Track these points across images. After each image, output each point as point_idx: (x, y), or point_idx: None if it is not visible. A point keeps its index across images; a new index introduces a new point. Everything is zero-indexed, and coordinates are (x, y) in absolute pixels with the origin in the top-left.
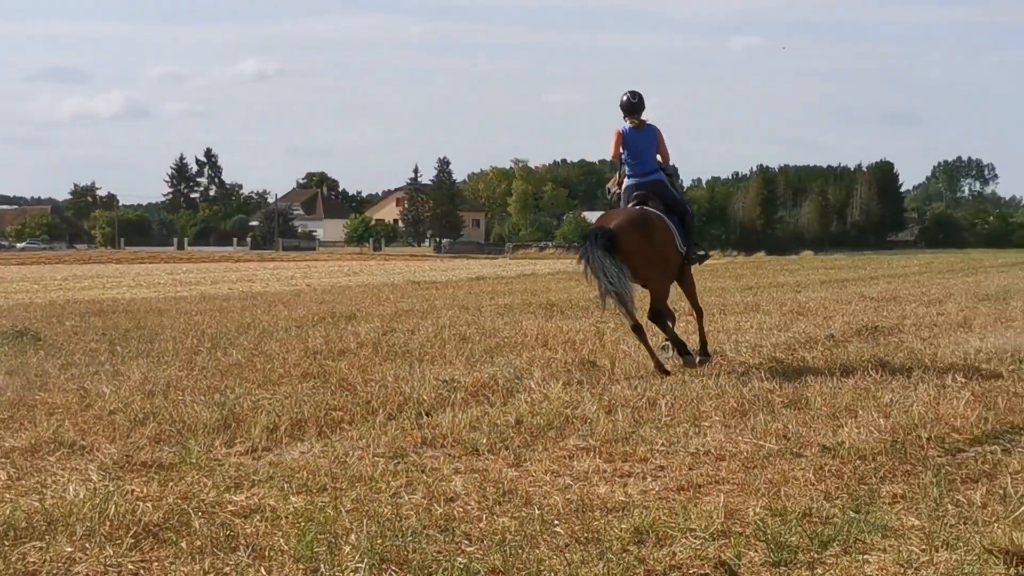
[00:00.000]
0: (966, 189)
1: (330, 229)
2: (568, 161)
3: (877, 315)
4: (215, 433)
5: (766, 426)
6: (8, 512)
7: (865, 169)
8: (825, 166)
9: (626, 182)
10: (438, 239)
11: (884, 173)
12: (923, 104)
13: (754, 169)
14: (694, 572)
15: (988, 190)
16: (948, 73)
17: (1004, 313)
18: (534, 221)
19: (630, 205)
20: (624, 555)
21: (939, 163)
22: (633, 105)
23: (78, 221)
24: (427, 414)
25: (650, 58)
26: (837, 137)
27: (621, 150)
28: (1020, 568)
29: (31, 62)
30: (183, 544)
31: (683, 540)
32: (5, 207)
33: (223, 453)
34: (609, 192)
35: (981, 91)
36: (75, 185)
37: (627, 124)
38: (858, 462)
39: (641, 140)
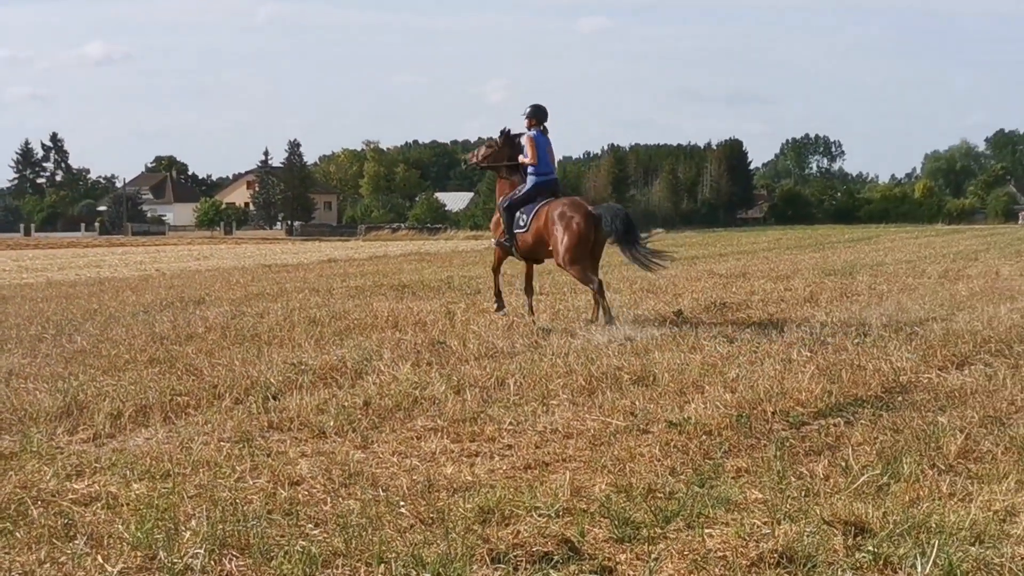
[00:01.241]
0: (814, 166)
1: (180, 213)
2: (419, 142)
3: (726, 291)
4: (57, 421)
5: (614, 403)
6: None
7: (715, 147)
8: (675, 144)
9: (531, 180)
10: (290, 222)
11: (733, 151)
12: (770, 83)
13: (605, 148)
14: (537, 549)
15: (836, 166)
16: (795, 52)
17: (850, 288)
18: (386, 203)
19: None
20: (468, 534)
21: (787, 140)
22: (544, 112)
23: None
24: (274, 397)
25: (500, 38)
26: (686, 116)
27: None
28: (859, 538)
29: None
30: (19, 534)
31: (528, 518)
32: None
33: (65, 441)
34: (466, 164)
35: (828, 69)
36: None
37: (535, 130)
38: (704, 437)
39: (545, 143)
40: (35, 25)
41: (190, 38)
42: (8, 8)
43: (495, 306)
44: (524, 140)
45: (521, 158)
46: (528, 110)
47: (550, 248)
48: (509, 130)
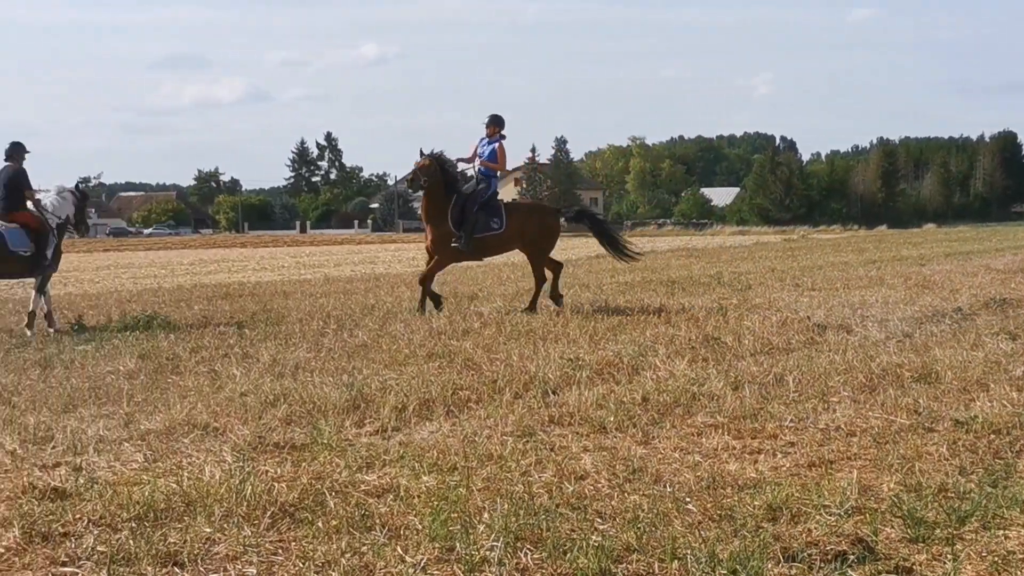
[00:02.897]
0: None
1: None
2: (685, 138)
3: (1004, 287)
4: (345, 414)
5: (896, 401)
6: (147, 494)
7: (988, 140)
8: (947, 137)
9: (494, 182)
10: None
11: (1007, 143)
12: None
13: (874, 142)
14: (831, 549)
15: None
16: None
17: None
18: (652, 198)
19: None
20: (759, 532)
21: None
22: (503, 121)
23: (202, 206)
24: (553, 392)
25: (768, 31)
26: (957, 108)
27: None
28: None
29: (153, 50)
30: (319, 524)
31: (817, 517)
32: (132, 194)
33: (353, 433)
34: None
35: None
36: (199, 171)
37: (498, 137)
38: (992, 436)
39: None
40: (312, 28)
41: (460, 37)
42: (286, 12)
43: (421, 310)
44: (498, 146)
45: (490, 164)
46: (489, 119)
47: (520, 243)
48: (440, 152)
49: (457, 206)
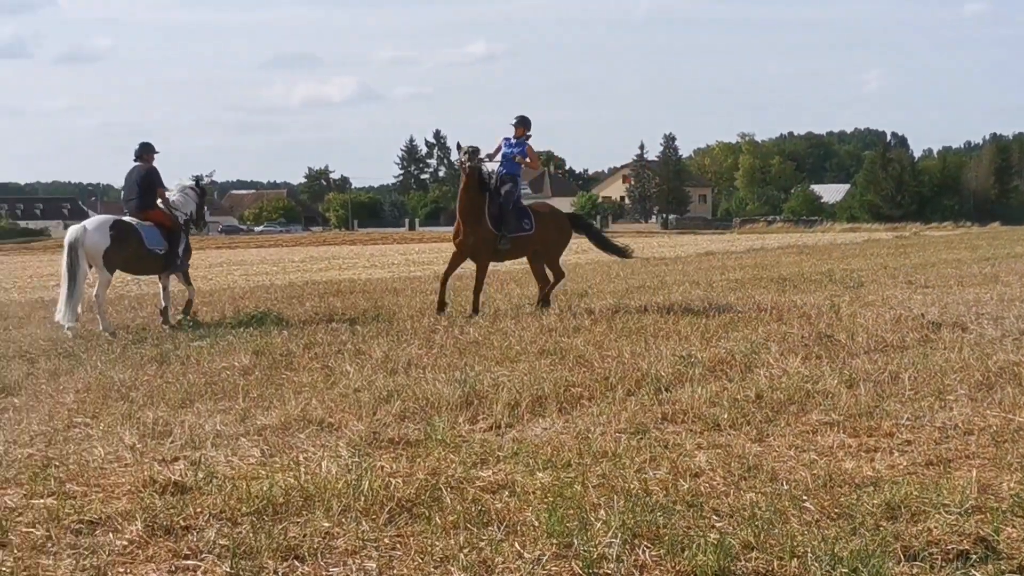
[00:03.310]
0: None
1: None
2: (795, 134)
3: None
4: (457, 410)
5: (1014, 399)
6: (266, 488)
7: None
8: None
9: (521, 184)
10: (665, 215)
11: None
12: None
13: (987, 138)
14: (952, 548)
15: None
16: None
17: None
18: (761, 195)
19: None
20: (878, 531)
21: None
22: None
23: (313, 204)
24: (666, 389)
25: (880, 25)
26: None
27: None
28: None
29: (264, 49)
30: (436, 519)
31: (937, 516)
32: (243, 192)
33: (467, 430)
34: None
35: None
36: (309, 169)
37: (524, 139)
38: None
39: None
40: (421, 27)
41: (569, 34)
42: (395, 11)
43: (439, 310)
44: (528, 148)
45: (526, 161)
46: (517, 120)
47: (539, 247)
48: (475, 148)
49: (494, 205)
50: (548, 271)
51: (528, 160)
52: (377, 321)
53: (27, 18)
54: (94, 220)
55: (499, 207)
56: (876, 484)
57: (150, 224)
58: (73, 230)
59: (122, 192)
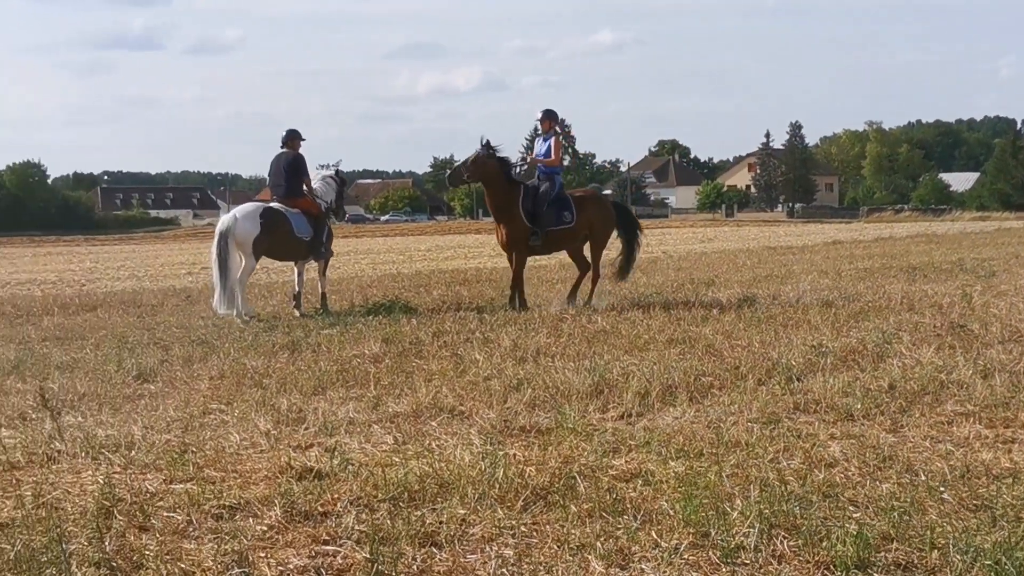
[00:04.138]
0: None
1: (682, 196)
2: (923, 122)
3: None
4: (588, 398)
5: None
6: (401, 475)
7: None
8: None
9: (558, 179)
10: (791, 204)
11: None
12: None
13: None
14: None
15: None
16: None
17: None
18: (889, 184)
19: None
20: (1019, 523)
21: None
22: (557, 115)
23: (438, 193)
24: (797, 379)
25: (1013, 11)
26: None
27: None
28: None
29: (390, 40)
30: (571, 507)
31: None
32: (369, 181)
33: (597, 418)
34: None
35: None
36: (434, 158)
37: (552, 133)
38: None
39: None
40: (548, 15)
41: (697, 23)
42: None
43: (518, 308)
44: (553, 142)
45: (546, 161)
46: (542, 114)
47: (585, 237)
48: (489, 142)
49: (528, 199)
50: (587, 261)
51: (551, 158)
52: (504, 310)
53: (159, 10)
54: (243, 208)
55: (533, 203)
56: (1015, 476)
57: (298, 211)
58: (224, 219)
59: (268, 179)
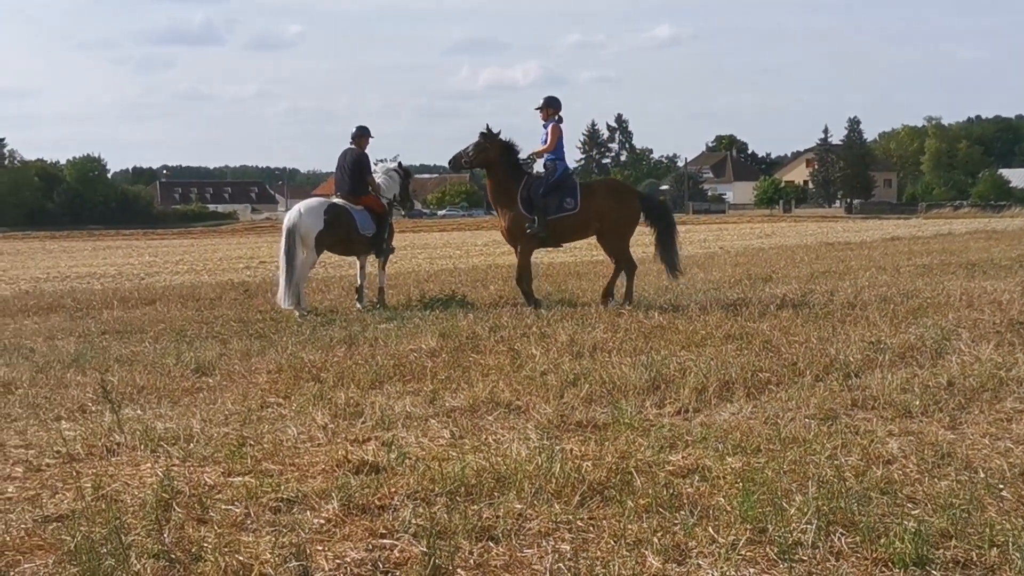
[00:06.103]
0: None
1: (739, 191)
2: (983, 117)
3: None
4: (644, 394)
5: None
6: (458, 469)
7: None
8: None
9: (561, 165)
10: (849, 200)
11: None
12: None
13: None
14: None
15: None
16: None
17: None
18: (948, 180)
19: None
20: None
21: None
22: (559, 103)
23: None
24: (855, 375)
25: None
26: None
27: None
28: None
29: (450, 35)
30: (628, 503)
31: None
32: (426, 176)
33: (654, 414)
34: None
35: None
36: None
37: (552, 121)
38: None
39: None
40: (606, 10)
41: (755, 18)
42: None
43: (532, 306)
44: (551, 128)
45: (541, 149)
46: (543, 101)
47: (597, 226)
48: (490, 128)
49: (526, 188)
50: (611, 258)
51: (545, 145)
52: (561, 305)
53: (220, 6)
54: (308, 203)
55: (529, 191)
56: None
57: (361, 208)
58: (290, 215)
59: (334, 173)
